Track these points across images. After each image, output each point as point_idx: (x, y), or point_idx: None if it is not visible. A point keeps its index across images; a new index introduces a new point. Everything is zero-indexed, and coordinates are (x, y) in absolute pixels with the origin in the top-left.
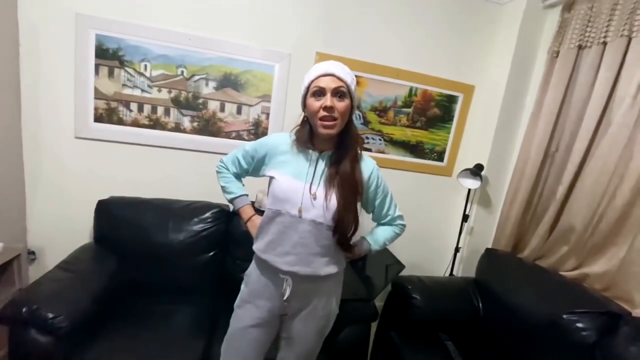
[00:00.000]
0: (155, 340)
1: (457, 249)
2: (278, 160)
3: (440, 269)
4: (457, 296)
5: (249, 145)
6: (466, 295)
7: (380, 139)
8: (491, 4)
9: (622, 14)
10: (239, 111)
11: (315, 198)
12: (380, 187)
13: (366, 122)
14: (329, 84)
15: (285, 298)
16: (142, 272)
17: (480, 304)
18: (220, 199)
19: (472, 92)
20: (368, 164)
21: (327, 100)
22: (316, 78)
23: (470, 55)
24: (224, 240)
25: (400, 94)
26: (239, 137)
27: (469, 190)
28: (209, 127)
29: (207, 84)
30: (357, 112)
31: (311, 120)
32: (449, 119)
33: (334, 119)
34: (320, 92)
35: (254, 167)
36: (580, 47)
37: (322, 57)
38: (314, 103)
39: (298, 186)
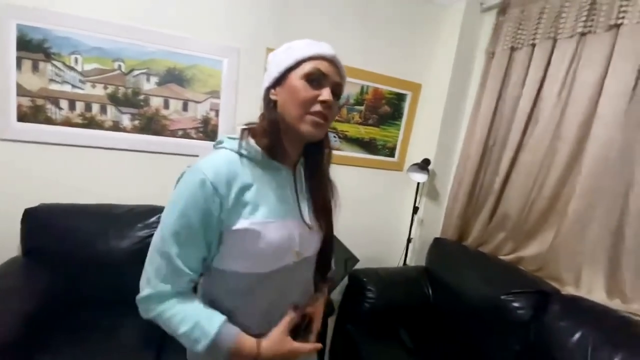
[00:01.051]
0: (101, 357)
1: (409, 240)
2: (243, 201)
3: (394, 260)
4: (409, 285)
5: (176, 223)
6: (417, 284)
7: (335, 137)
8: (434, 6)
9: (549, 17)
10: (185, 108)
11: (310, 228)
12: None
13: None
14: (332, 74)
15: None
16: (82, 285)
17: (430, 291)
18: (166, 201)
19: (419, 90)
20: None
21: (327, 93)
22: (314, 58)
23: (417, 55)
24: None
25: (352, 92)
26: (186, 135)
27: (418, 183)
28: (151, 125)
29: (148, 80)
30: None
31: (292, 112)
32: (399, 116)
33: (326, 119)
34: (318, 79)
35: (211, 242)
36: (512, 49)
37: None
38: (307, 90)
39: (288, 225)
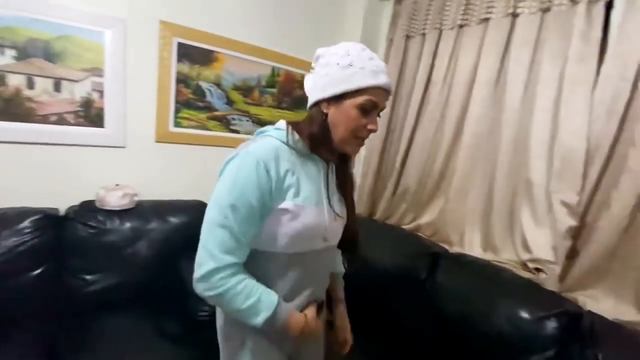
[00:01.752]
0: None
1: None
2: (287, 184)
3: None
4: None
5: (237, 200)
6: None
7: (247, 120)
8: None
9: (435, 10)
10: (57, 88)
11: (338, 218)
12: None
13: (230, 102)
14: (383, 101)
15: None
16: None
17: (346, 264)
18: (44, 201)
19: None
20: None
21: (375, 123)
22: (373, 88)
23: (326, 39)
24: (56, 252)
25: (263, 74)
26: (62, 121)
27: None
28: (11, 109)
29: (2, 52)
30: (219, 91)
31: (341, 133)
32: None
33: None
34: (371, 109)
35: (264, 219)
36: (407, 37)
37: (168, 27)
38: (359, 119)
39: (320, 212)
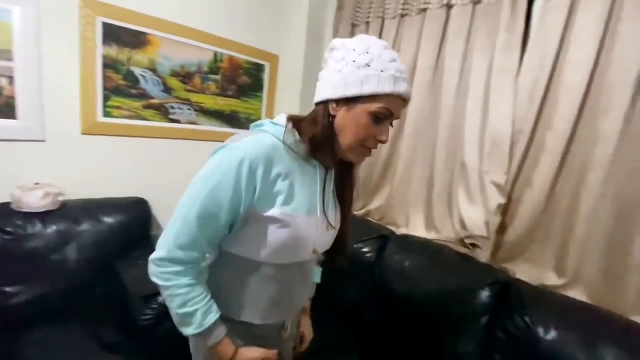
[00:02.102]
0: None
1: None
2: (277, 189)
3: None
4: None
5: (207, 197)
6: None
7: (189, 109)
8: None
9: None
10: None
11: (328, 230)
12: None
13: (168, 90)
14: (399, 111)
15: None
16: None
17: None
18: None
19: (277, 61)
20: None
21: (387, 134)
22: (393, 96)
23: (273, 26)
24: None
25: (204, 60)
26: None
27: None
28: None
29: None
30: (154, 77)
31: (347, 140)
32: (260, 87)
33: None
34: (384, 118)
35: (233, 224)
36: (353, 25)
37: (90, 5)
38: (370, 127)
39: (312, 222)
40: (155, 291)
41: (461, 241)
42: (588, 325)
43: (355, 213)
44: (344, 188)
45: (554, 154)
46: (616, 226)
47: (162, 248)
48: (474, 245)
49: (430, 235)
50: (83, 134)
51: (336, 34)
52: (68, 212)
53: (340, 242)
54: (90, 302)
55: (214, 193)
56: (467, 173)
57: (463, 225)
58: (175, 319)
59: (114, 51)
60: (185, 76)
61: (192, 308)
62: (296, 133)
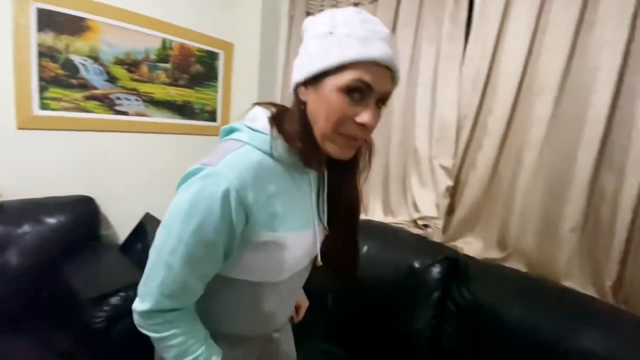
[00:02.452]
0: None
1: None
2: (271, 213)
3: None
4: None
5: (191, 238)
6: None
7: (137, 99)
8: None
9: None
10: None
11: (323, 233)
12: None
13: (112, 79)
14: (382, 83)
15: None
16: None
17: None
18: None
19: (232, 49)
20: None
21: (368, 116)
22: (363, 62)
23: (226, 12)
24: None
25: (152, 47)
26: None
27: None
28: None
29: None
30: (96, 66)
31: (321, 127)
32: (214, 76)
33: (363, 141)
34: (362, 92)
35: (229, 256)
36: (307, 13)
37: None
38: (346, 106)
39: (311, 234)
40: (105, 292)
41: (415, 222)
42: (525, 292)
43: None
44: (340, 194)
45: (494, 137)
46: (548, 201)
47: (147, 299)
48: (426, 225)
49: (388, 219)
50: (19, 128)
51: (291, 23)
52: (6, 213)
53: (348, 257)
54: (37, 308)
55: (199, 234)
56: (419, 158)
57: (416, 207)
58: None
59: (49, 38)
60: (131, 64)
61: (191, 356)
62: (282, 140)
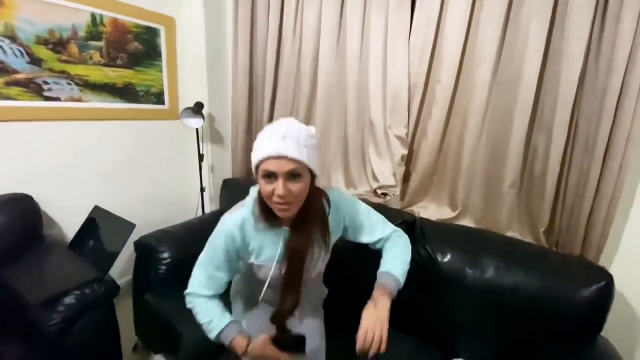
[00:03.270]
0: None
1: (202, 190)
2: (251, 249)
3: (192, 215)
4: (208, 233)
5: (212, 258)
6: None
7: (69, 83)
8: None
9: None
10: None
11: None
12: (350, 210)
13: (36, 61)
14: (281, 167)
15: None
16: None
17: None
18: None
19: (174, 25)
20: (334, 201)
21: (279, 187)
22: (265, 160)
23: None
24: None
25: (79, 23)
26: None
27: (198, 130)
28: None
29: None
30: (15, 47)
31: (265, 200)
32: (157, 55)
33: (289, 203)
34: (270, 177)
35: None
36: None
37: None
38: (266, 186)
39: (279, 267)
40: (56, 293)
41: (375, 192)
42: (474, 245)
43: None
44: (297, 243)
45: (442, 106)
46: (491, 161)
47: (190, 287)
48: (385, 194)
49: (350, 192)
50: None
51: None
52: None
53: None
54: None
55: (215, 255)
56: (375, 130)
57: (375, 178)
58: (204, 330)
59: None
60: (57, 44)
61: (209, 317)
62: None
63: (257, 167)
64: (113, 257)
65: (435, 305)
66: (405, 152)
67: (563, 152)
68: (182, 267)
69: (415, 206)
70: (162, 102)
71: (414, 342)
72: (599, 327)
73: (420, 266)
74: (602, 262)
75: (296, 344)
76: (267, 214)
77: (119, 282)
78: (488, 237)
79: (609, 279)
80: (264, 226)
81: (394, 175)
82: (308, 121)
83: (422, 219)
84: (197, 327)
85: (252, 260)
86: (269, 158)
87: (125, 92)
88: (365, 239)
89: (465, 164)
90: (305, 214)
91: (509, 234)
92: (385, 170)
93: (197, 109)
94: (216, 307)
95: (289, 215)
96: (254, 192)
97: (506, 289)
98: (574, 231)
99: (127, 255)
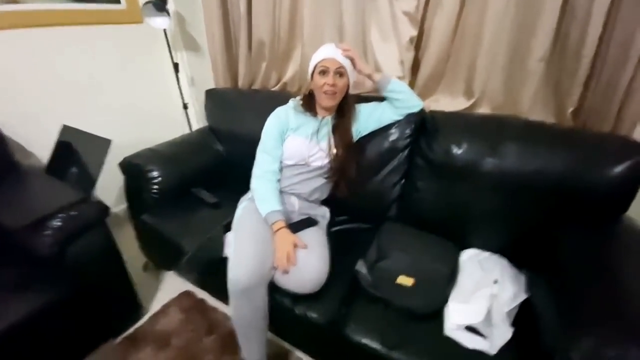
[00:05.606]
0: None
1: (185, 106)
2: (291, 126)
3: (178, 132)
4: (196, 149)
5: (265, 139)
6: (205, 145)
7: None
8: None
9: None
10: None
11: (320, 150)
12: (370, 106)
13: None
14: (333, 65)
15: None
16: None
17: (220, 146)
18: None
19: None
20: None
21: (330, 78)
22: (322, 60)
23: None
24: None
25: None
26: None
27: (165, 33)
28: None
29: None
30: None
31: (314, 90)
32: None
33: (335, 93)
34: (325, 71)
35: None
36: None
37: None
38: (320, 80)
39: (306, 143)
40: (39, 216)
41: None
42: (492, 132)
43: (273, 89)
44: (335, 132)
45: None
46: (519, 29)
47: (255, 169)
48: None
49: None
50: None
51: None
52: None
53: (341, 170)
54: None
55: (269, 138)
56: (377, 7)
57: (378, 67)
58: (258, 205)
59: None
60: None
61: (261, 198)
62: (298, 100)
63: (315, 67)
64: (94, 176)
65: (449, 199)
66: (415, 32)
67: (607, 8)
68: (174, 186)
69: (426, 100)
70: (117, 0)
71: (427, 237)
72: (626, 206)
73: (433, 162)
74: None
75: (305, 222)
76: (310, 103)
77: (116, 209)
78: (508, 122)
79: None
80: (304, 111)
81: (402, 63)
82: (294, 10)
83: (433, 111)
84: (196, 239)
85: (290, 133)
86: (325, 59)
87: None
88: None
89: (487, 37)
90: (344, 106)
91: (533, 117)
92: (390, 58)
93: (160, 3)
94: (270, 188)
95: (333, 104)
96: (293, 99)
97: (528, 174)
98: (607, 106)
99: (120, 182)
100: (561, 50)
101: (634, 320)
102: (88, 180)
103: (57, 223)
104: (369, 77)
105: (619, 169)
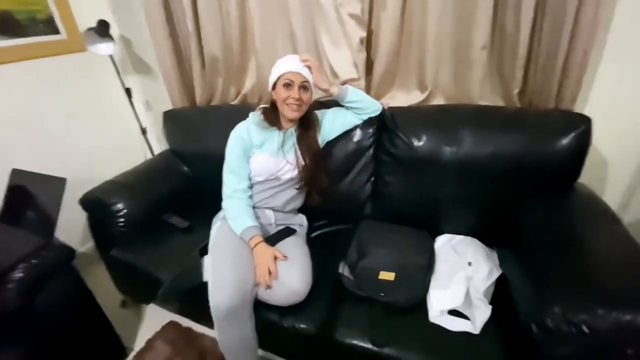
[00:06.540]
0: None
1: (143, 131)
2: (254, 143)
3: (140, 158)
4: (161, 174)
5: (232, 155)
6: (170, 168)
7: None
8: None
9: None
10: None
11: (287, 163)
12: (331, 112)
13: None
14: (297, 79)
15: None
16: None
17: (186, 168)
18: None
19: None
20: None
21: (296, 92)
22: (285, 73)
23: None
24: None
25: None
26: None
27: (113, 59)
28: None
29: None
30: None
31: (279, 103)
32: None
33: (300, 105)
34: (289, 84)
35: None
36: None
37: None
38: (284, 93)
39: (272, 159)
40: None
41: None
42: (448, 121)
43: (232, 103)
44: (301, 143)
45: None
46: (459, 29)
47: (225, 190)
48: None
49: None
50: None
51: None
52: None
53: (311, 179)
54: None
55: (233, 157)
56: (325, 13)
57: (334, 72)
58: (231, 224)
59: None
60: None
61: (235, 216)
62: (258, 113)
63: (278, 78)
64: (52, 218)
65: (417, 189)
66: (364, 33)
67: (536, 2)
68: (141, 215)
69: (384, 98)
70: (56, 30)
71: (402, 230)
72: (577, 173)
73: (397, 157)
74: (577, 110)
75: (284, 233)
76: (272, 116)
77: (82, 249)
78: (461, 110)
79: (587, 123)
80: (266, 126)
81: (355, 65)
82: (243, 19)
83: (392, 107)
84: (172, 267)
85: (255, 151)
86: (290, 72)
87: (5, 25)
88: (340, 119)
89: (431, 33)
90: (307, 116)
91: (482, 102)
92: (344, 62)
93: (102, 29)
94: (242, 206)
95: (298, 116)
96: (253, 113)
97: (485, 157)
98: (547, 85)
99: (83, 219)
100: (500, 38)
101: (597, 283)
102: (47, 224)
103: (18, 274)
104: (326, 92)
105: (566, 140)
